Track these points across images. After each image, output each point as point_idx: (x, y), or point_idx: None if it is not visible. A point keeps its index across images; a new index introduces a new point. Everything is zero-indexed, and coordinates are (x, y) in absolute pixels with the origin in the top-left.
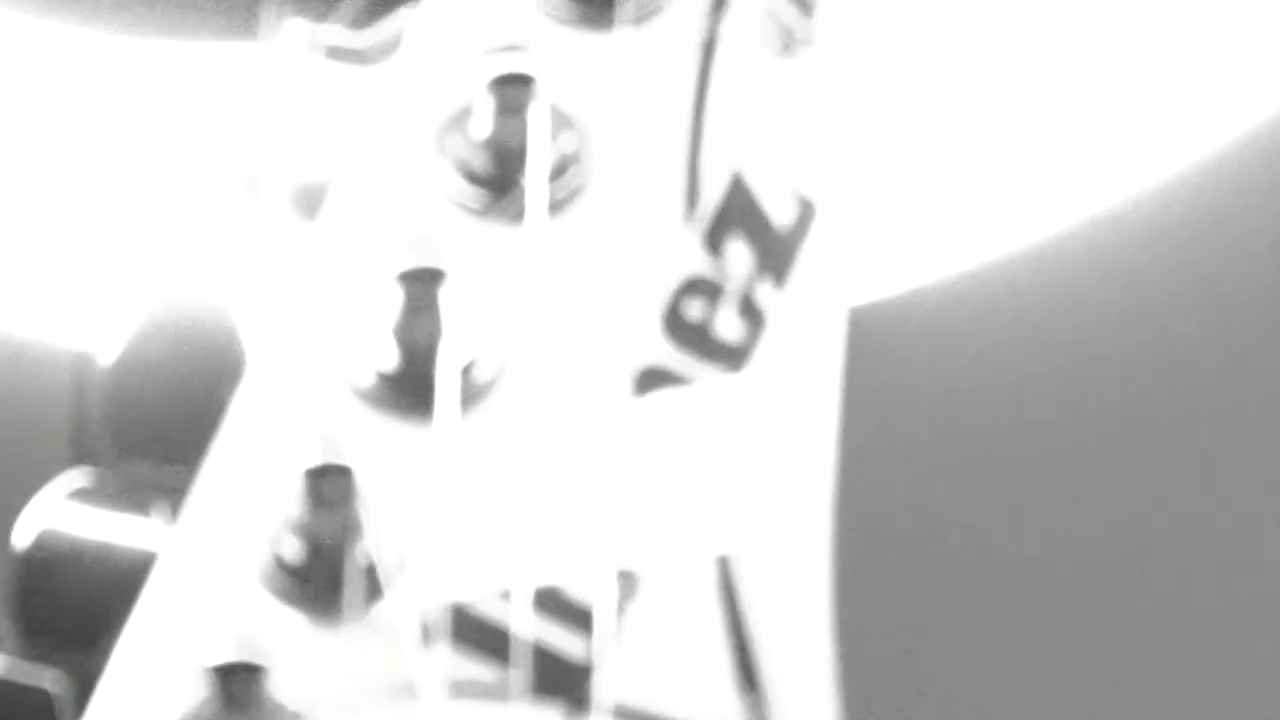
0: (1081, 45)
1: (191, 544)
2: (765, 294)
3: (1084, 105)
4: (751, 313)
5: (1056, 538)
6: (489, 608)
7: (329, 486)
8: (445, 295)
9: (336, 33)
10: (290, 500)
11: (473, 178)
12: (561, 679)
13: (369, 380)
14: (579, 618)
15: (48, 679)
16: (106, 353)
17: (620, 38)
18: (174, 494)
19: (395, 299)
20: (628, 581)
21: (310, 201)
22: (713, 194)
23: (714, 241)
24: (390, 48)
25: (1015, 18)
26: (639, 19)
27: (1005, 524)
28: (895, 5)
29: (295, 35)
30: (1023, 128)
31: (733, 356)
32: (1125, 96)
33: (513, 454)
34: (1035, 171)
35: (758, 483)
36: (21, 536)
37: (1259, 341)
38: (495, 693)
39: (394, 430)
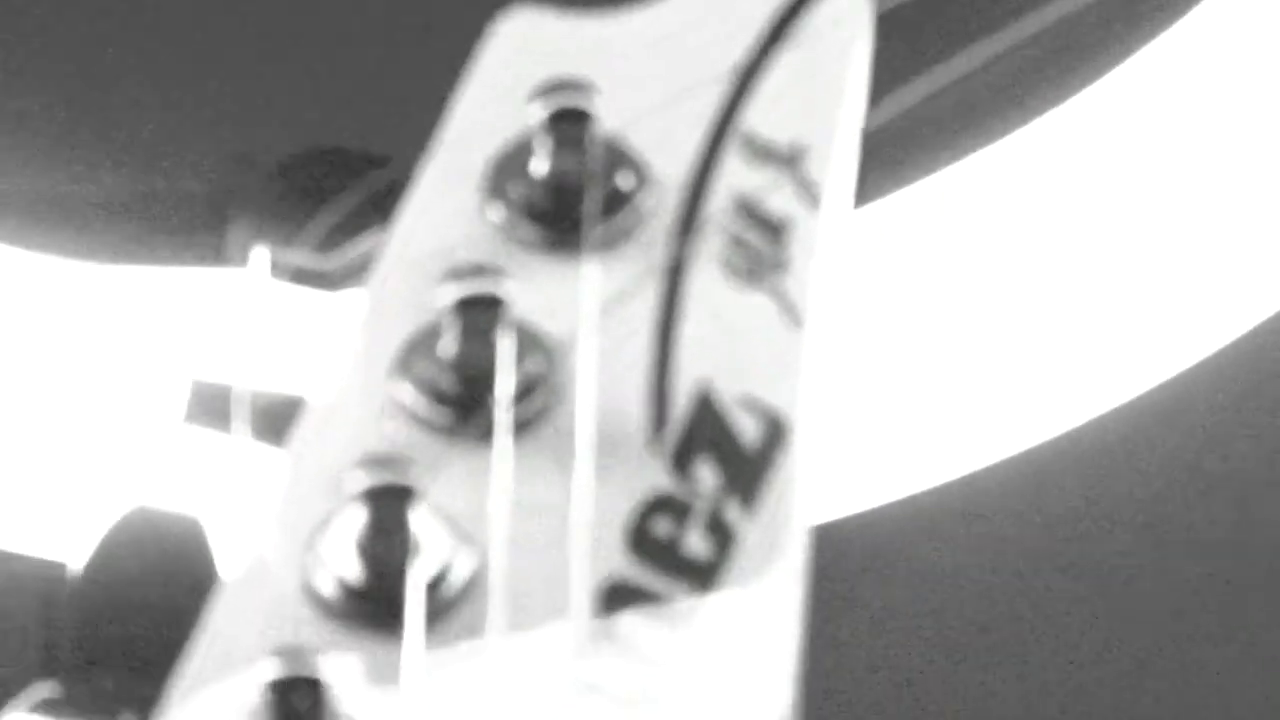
0: (1058, 256)
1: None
2: (733, 513)
3: (1053, 324)
4: (719, 531)
5: None
6: None
7: (297, 699)
8: (413, 513)
9: (303, 256)
10: (257, 714)
11: (440, 397)
12: None
13: (336, 594)
14: None
15: None
16: (77, 564)
17: (586, 262)
18: (143, 706)
19: (362, 516)
20: None
21: (279, 421)
22: (680, 413)
23: (682, 461)
24: (357, 271)
25: (981, 230)
26: (606, 244)
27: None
28: (869, 225)
29: (262, 259)
30: (995, 339)
31: (700, 574)
32: (1090, 317)
33: (481, 669)
34: (1003, 385)
35: (723, 700)
36: None
37: (1263, 538)
38: None
39: (361, 644)
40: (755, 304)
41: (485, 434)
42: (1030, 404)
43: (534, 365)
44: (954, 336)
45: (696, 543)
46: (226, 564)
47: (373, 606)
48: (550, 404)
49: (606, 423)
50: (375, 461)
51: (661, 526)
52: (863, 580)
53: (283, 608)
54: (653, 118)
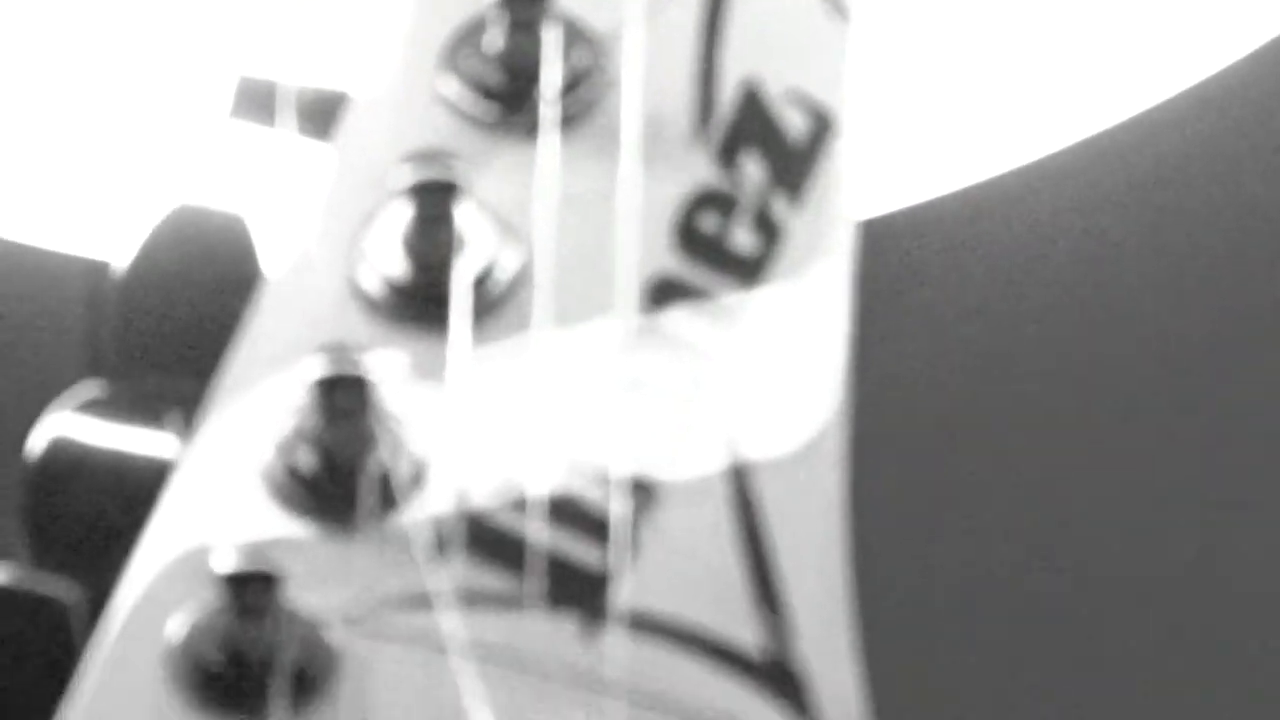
0: None
1: (205, 455)
2: (780, 208)
3: (1102, 14)
4: (766, 226)
5: (1072, 448)
6: (504, 518)
7: (342, 397)
8: (459, 208)
9: None
10: (304, 411)
11: (486, 92)
12: (577, 589)
13: (382, 291)
14: (594, 528)
15: (60, 589)
16: (121, 263)
17: None
18: (187, 405)
19: (408, 211)
20: (643, 491)
21: (325, 113)
22: (726, 107)
23: (728, 155)
24: None
25: None
26: None
27: (1020, 436)
28: None
29: None
30: (1037, 38)
31: (747, 269)
32: (1142, 6)
33: (527, 365)
34: (1049, 82)
35: (772, 395)
36: (35, 448)
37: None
38: (510, 603)
39: (407, 341)
40: None
41: (531, 128)
42: (1081, 95)
43: (581, 58)
44: (1005, 26)
45: (743, 237)
46: (271, 262)
47: (418, 303)
48: (597, 97)
49: (653, 116)
50: (421, 157)
51: (708, 221)
52: (911, 274)
53: (328, 305)
54: None
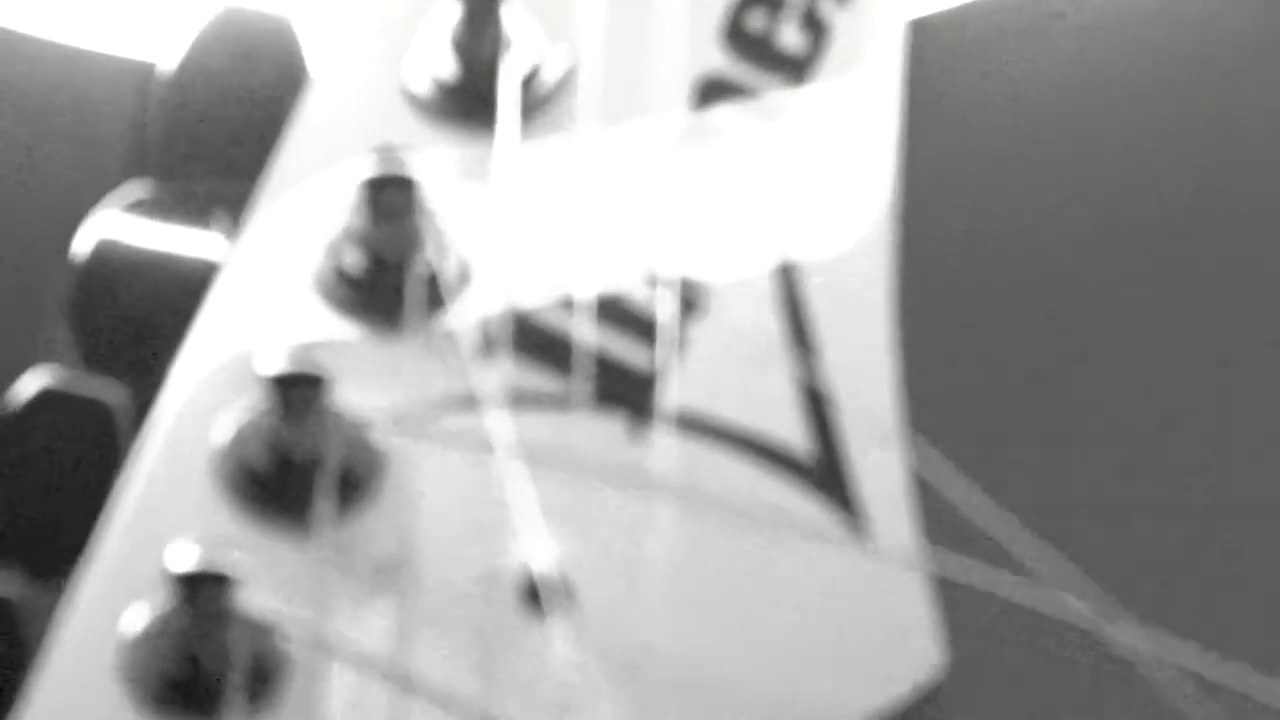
0: None
1: (252, 255)
2: (827, 6)
3: None
4: (813, 25)
5: (1115, 250)
6: (551, 317)
7: (389, 197)
8: (506, 7)
9: None
10: (351, 211)
11: None
12: (624, 389)
13: (429, 91)
14: (642, 327)
15: (107, 391)
16: (168, 65)
17: None
18: (234, 206)
19: (456, 11)
20: (691, 291)
21: None
22: None
23: None
24: None
25: None
26: None
27: (1064, 233)
28: None
29: None
30: None
31: (794, 68)
32: None
33: (574, 164)
34: None
35: (821, 195)
36: (82, 250)
37: None
38: (557, 403)
39: (454, 141)
40: None
41: None
42: None
43: None
44: None
45: (791, 35)
46: (318, 62)
47: (466, 103)
48: None
49: None
50: None
51: (755, 20)
52: (959, 74)
53: (375, 105)
54: None
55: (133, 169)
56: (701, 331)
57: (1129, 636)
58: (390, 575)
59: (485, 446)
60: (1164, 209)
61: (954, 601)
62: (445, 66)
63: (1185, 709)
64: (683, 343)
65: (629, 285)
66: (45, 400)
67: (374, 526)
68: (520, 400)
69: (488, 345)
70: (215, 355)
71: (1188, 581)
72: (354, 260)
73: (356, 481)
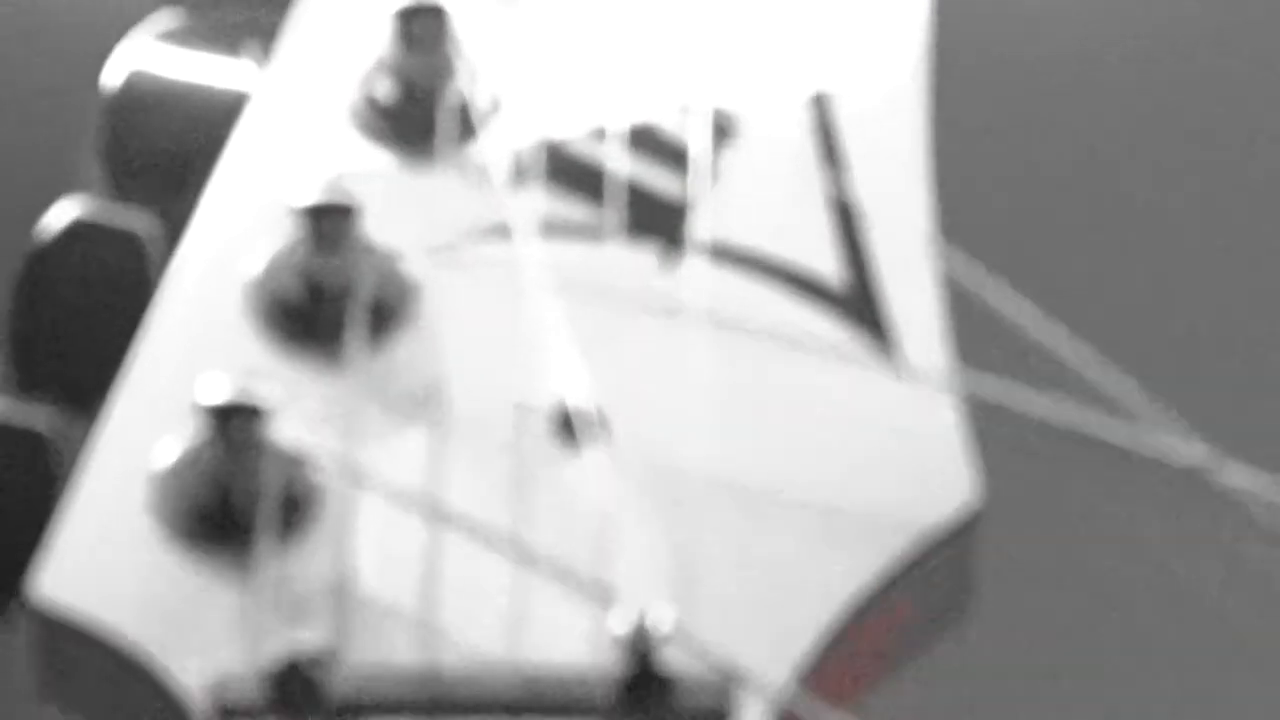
0: None
1: (282, 85)
2: None
3: None
4: None
5: (1152, 110)
6: (584, 147)
7: (422, 26)
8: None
9: None
10: (383, 40)
11: None
12: (656, 218)
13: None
14: (674, 157)
15: (138, 222)
16: None
17: None
18: (265, 35)
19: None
20: (724, 120)
21: None
22: None
23: None
24: None
25: None
26: None
27: (1100, 90)
28: None
29: None
30: None
31: None
32: None
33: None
34: None
35: (855, 23)
36: (112, 78)
37: None
38: (589, 232)
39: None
40: None
41: None
42: None
43: None
44: None
45: None
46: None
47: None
48: None
49: None
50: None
51: None
52: None
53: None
54: None
55: None
56: (734, 161)
57: (1182, 453)
58: (422, 406)
59: (517, 276)
60: (1211, 73)
61: (994, 428)
62: (384, 90)
63: (1270, 530)
64: (715, 172)
65: (662, 114)
66: (76, 231)
67: (406, 357)
68: (552, 230)
69: (520, 175)
70: (246, 186)
71: (1238, 390)
72: (386, 89)
73: (388, 312)
